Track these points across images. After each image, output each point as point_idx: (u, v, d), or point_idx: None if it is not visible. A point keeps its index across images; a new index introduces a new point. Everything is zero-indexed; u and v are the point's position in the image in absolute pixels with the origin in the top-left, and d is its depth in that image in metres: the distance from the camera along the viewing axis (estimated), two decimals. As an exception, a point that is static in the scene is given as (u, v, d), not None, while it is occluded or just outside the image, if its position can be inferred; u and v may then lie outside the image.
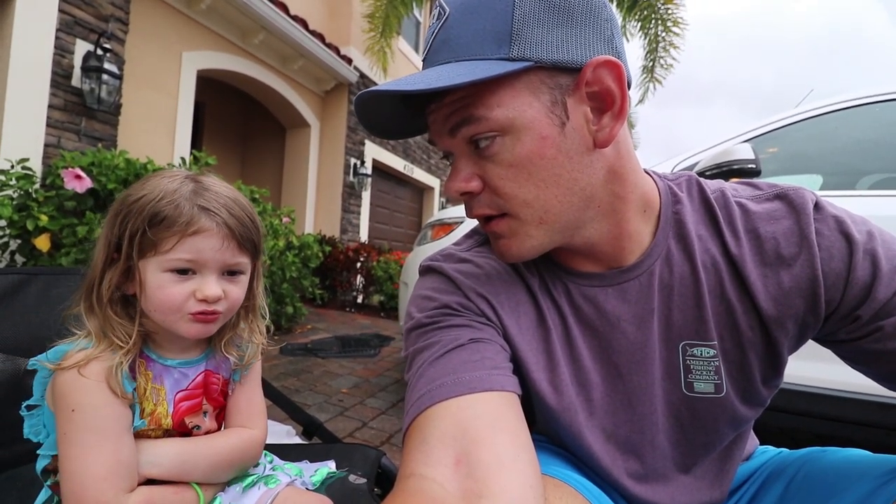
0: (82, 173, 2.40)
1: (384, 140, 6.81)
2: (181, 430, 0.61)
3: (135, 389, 0.57)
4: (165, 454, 0.57)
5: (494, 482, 0.36)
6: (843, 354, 0.51)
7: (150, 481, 0.56)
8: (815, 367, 1.36)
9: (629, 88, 0.48)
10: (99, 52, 3.05)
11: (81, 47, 3.03)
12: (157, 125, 3.85)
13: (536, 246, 0.49)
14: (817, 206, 0.48)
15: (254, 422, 0.68)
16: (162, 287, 0.56)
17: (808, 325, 0.48)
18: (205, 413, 0.64)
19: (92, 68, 2.98)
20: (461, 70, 0.41)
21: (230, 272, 0.61)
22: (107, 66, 3.00)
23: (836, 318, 0.47)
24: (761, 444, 0.68)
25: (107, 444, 0.52)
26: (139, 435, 0.57)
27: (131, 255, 0.55)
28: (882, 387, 0.50)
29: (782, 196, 0.50)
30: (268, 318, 0.74)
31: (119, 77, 3.11)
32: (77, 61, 3.00)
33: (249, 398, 0.69)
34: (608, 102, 0.44)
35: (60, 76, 2.93)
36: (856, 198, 1.58)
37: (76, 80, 3.00)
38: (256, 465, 0.70)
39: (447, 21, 0.45)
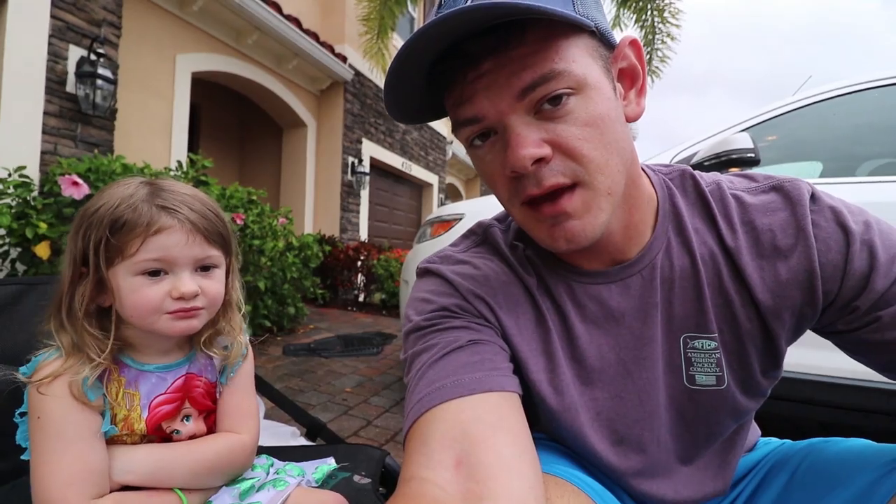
0: (79, 180, 2.40)
1: (381, 138, 6.74)
2: (159, 435, 0.61)
3: (105, 395, 0.57)
4: (139, 460, 0.57)
5: (495, 484, 0.35)
6: (841, 345, 0.51)
7: (132, 487, 0.56)
8: (818, 356, 1.35)
9: None
10: (92, 57, 3.03)
11: (75, 53, 3.01)
12: (153, 129, 3.84)
13: (602, 224, 0.45)
14: (814, 197, 0.48)
15: (242, 426, 0.67)
16: (136, 291, 0.56)
17: (806, 316, 0.48)
18: (186, 417, 0.63)
19: (86, 74, 2.97)
20: (541, 2, 0.37)
21: (203, 267, 0.61)
22: (101, 71, 2.99)
23: (833, 309, 0.47)
24: (764, 434, 0.68)
25: (72, 450, 0.52)
26: (113, 441, 0.57)
27: (99, 265, 0.55)
28: (882, 376, 0.50)
29: (778, 188, 0.50)
30: (243, 310, 0.72)
31: (113, 82, 3.10)
32: (71, 67, 2.99)
33: (238, 401, 0.68)
34: (633, 79, 0.47)
35: (55, 82, 2.92)
36: (856, 184, 1.57)
37: (70, 86, 2.99)
38: (253, 470, 0.69)
39: None
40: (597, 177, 0.43)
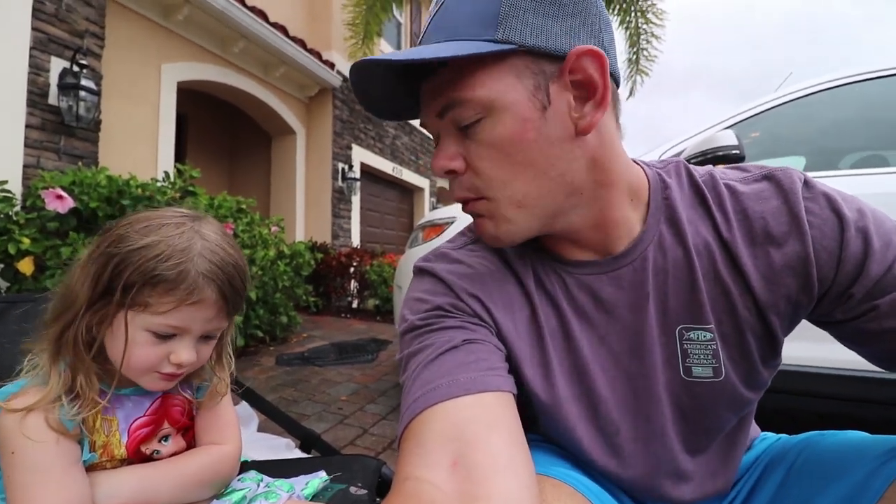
0: (63, 193, 2.36)
1: (370, 143, 6.75)
2: (139, 458, 0.60)
3: (83, 423, 0.54)
4: (123, 483, 0.56)
5: (491, 484, 0.35)
6: (840, 335, 0.51)
7: None
8: (813, 347, 1.37)
9: (617, 85, 0.49)
10: (75, 68, 3.00)
11: (57, 65, 2.98)
12: (139, 140, 3.81)
13: (515, 231, 0.49)
14: (807, 184, 0.48)
15: (224, 436, 0.66)
16: (139, 345, 0.54)
17: (801, 304, 0.48)
18: (164, 438, 0.62)
19: (69, 85, 2.94)
20: (446, 48, 0.43)
21: (206, 336, 0.60)
22: (84, 82, 2.96)
23: (829, 297, 0.47)
24: (762, 428, 0.68)
25: (51, 482, 0.50)
26: (94, 468, 0.56)
27: (122, 303, 0.52)
28: (880, 368, 0.50)
29: (769, 176, 0.50)
30: (232, 369, 0.71)
31: (97, 93, 3.07)
32: (53, 79, 2.95)
33: (216, 414, 0.67)
34: (591, 91, 0.45)
35: (36, 95, 2.88)
36: (839, 177, 1.59)
37: (53, 98, 2.95)
38: (242, 482, 0.69)
39: (443, 5, 0.47)
40: (498, 192, 0.48)
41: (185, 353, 0.56)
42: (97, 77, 3.15)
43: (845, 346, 0.51)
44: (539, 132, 0.45)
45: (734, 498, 0.59)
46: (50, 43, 2.96)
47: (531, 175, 0.46)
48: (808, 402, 1.49)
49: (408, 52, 0.43)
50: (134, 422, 0.59)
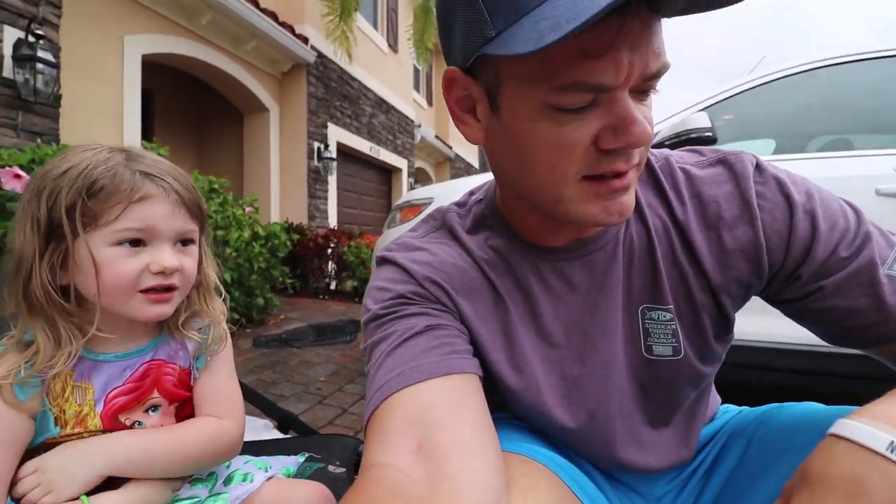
0: (22, 172, 2.25)
1: (347, 122, 6.58)
2: (118, 429, 0.56)
3: (48, 393, 0.52)
4: (121, 448, 0.54)
5: (455, 465, 0.36)
6: (790, 314, 0.53)
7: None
8: (772, 324, 1.43)
9: None
10: (31, 39, 2.82)
11: (11, 34, 2.80)
12: (102, 116, 3.63)
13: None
14: (759, 168, 0.50)
15: (224, 411, 0.62)
16: (113, 262, 0.51)
17: (752, 285, 0.50)
18: (153, 408, 0.59)
19: (24, 57, 2.77)
20: None
21: (182, 242, 0.58)
22: (41, 53, 2.80)
23: (779, 278, 0.49)
24: (725, 400, 0.71)
25: None
26: (67, 439, 0.54)
27: (69, 232, 0.50)
28: (829, 343, 0.52)
29: (723, 160, 0.51)
30: (224, 295, 0.69)
31: (55, 65, 2.90)
32: (7, 50, 2.78)
33: (216, 386, 0.64)
34: None
35: (-11, 67, 2.71)
36: (806, 160, 1.64)
37: (8, 71, 2.78)
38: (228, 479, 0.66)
39: None
40: (644, 158, 0.45)
41: (163, 256, 0.54)
42: (55, 48, 2.98)
43: (797, 323, 0.54)
44: None
45: (697, 467, 0.61)
46: (1, 10, 2.77)
47: None
48: (767, 375, 1.56)
49: None
50: (112, 390, 0.56)
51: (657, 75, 0.39)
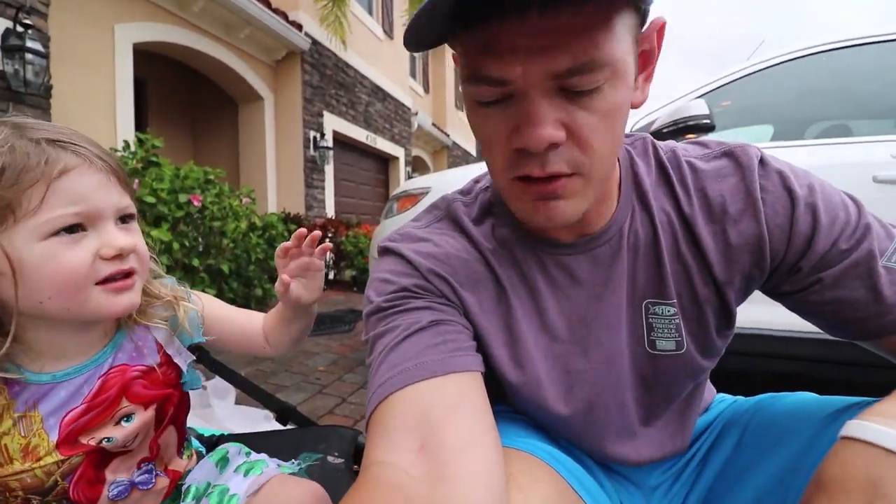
0: (15, 164, 2.23)
1: (343, 110, 6.50)
2: (83, 451, 0.48)
3: None
4: None
5: (457, 465, 0.36)
6: (789, 305, 0.53)
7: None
8: (768, 311, 1.44)
9: None
10: (19, 28, 2.77)
11: (-2, 24, 2.75)
12: (95, 107, 3.58)
13: (584, 209, 0.44)
14: (762, 162, 0.49)
15: (247, 315, 0.70)
16: (53, 258, 0.42)
17: (754, 278, 0.50)
18: (125, 418, 0.51)
19: (13, 47, 2.72)
20: None
21: (122, 219, 0.49)
22: (29, 43, 2.75)
23: (780, 271, 0.49)
24: (719, 389, 0.71)
25: None
26: (6, 481, 0.45)
27: None
28: (828, 334, 0.52)
29: (729, 153, 0.51)
30: (161, 274, 0.62)
31: (45, 55, 2.86)
32: (-6, 40, 2.73)
33: (222, 315, 0.68)
34: (647, 63, 0.44)
35: (-23, 57, 2.67)
36: (804, 147, 1.64)
37: (-4, 61, 2.74)
38: (225, 459, 0.65)
39: None
40: (597, 168, 0.42)
41: (113, 236, 0.46)
42: (44, 38, 2.93)
43: (797, 314, 0.54)
44: (629, 102, 0.42)
45: (692, 457, 0.62)
46: (-13, -1, 2.72)
47: (617, 150, 0.44)
48: (762, 362, 1.57)
49: None
50: (67, 414, 0.47)
51: (574, 73, 0.36)
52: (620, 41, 0.37)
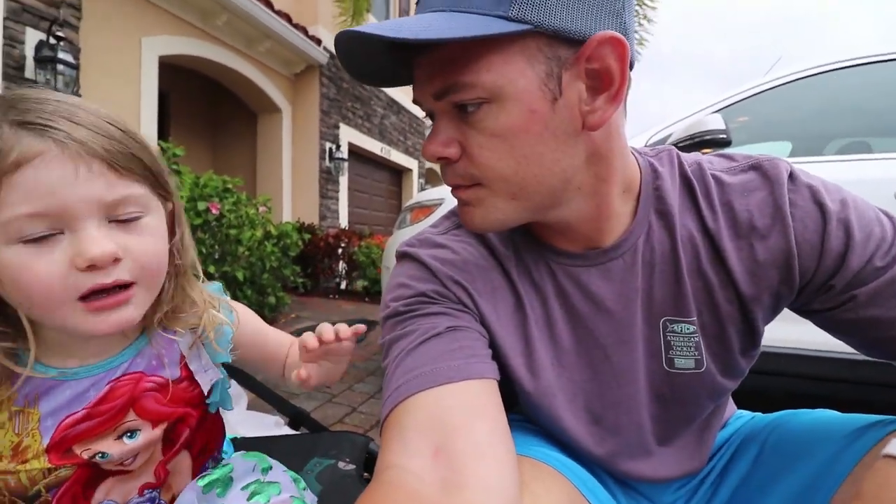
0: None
1: (358, 123, 6.60)
2: (72, 462, 0.42)
3: None
4: None
5: (472, 472, 0.36)
6: (820, 323, 0.51)
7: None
8: (790, 329, 1.41)
9: (631, 70, 0.45)
10: (52, 40, 2.89)
11: (32, 36, 2.87)
12: (120, 116, 3.68)
13: (502, 219, 0.47)
14: (791, 176, 0.48)
15: (278, 338, 0.65)
16: (25, 266, 0.36)
17: (783, 296, 0.49)
18: (130, 434, 0.45)
19: (46, 59, 2.84)
20: (452, 23, 0.38)
21: (120, 219, 0.40)
22: (61, 55, 2.86)
23: (810, 288, 0.48)
24: (737, 405, 0.70)
25: None
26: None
27: None
28: (861, 353, 0.51)
29: (757, 167, 0.50)
30: (202, 277, 0.55)
31: (75, 67, 2.96)
32: (29, 52, 2.84)
33: (254, 336, 0.62)
34: (606, 83, 0.41)
35: (12, 68, 2.78)
36: (824, 163, 1.62)
37: (30, 72, 2.85)
38: (227, 480, 0.53)
39: None
40: (495, 183, 0.45)
41: (87, 242, 0.37)
42: (75, 50, 3.04)
43: (828, 333, 0.52)
44: (546, 125, 0.42)
45: (708, 474, 0.61)
46: (24, 13, 2.84)
47: (531, 168, 0.43)
48: (781, 381, 1.54)
49: (403, 25, 0.39)
50: (66, 417, 0.42)
51: (444, 94, 0.43)
52: (495, 69, 0.40)
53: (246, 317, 0.61)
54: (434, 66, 0.42)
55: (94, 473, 0.44)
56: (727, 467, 0.60)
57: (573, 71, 0.41)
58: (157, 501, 0.49)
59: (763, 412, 0.66)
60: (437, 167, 0.52)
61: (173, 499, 0.50)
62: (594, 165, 0.46)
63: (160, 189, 0.45)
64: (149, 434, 0.46)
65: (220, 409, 0.58)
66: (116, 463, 0.45)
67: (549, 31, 0.39)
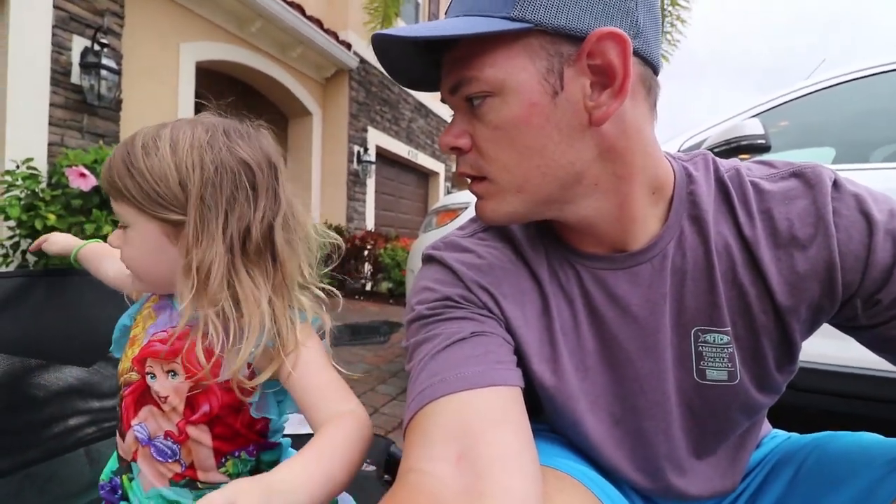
0: (86, 171, 2.41)
1: (386, 126, 6.68)
2: (139, 371, 0.55)
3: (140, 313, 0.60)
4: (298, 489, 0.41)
5: (496, 480, 0.35)
6: (864, 341, 0.49)
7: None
8: (827, 344, 1.34)
9: (657, 73, 0.46)
10: (96, 47, 3.03)
11: (78, 43, 3.01)
12: (159, 119, 3.68)
13: (512, 213, 0.48)
14: (836, 184, 0.45)
15: (339, 400, 0.53)
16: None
17: (824, 309, 0.46)
18: (171, 373, 0.53)
19: (90, 64, 2.98)
20: (462, 24, 0.42)
21: (120, 226, 0.56)
22: (105, 61, 2.99)
23: (854, 302, 0.45)
24: (772, 423, 0.67)
25: None
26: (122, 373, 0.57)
27: None
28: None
29: (798, 174, 0.47)
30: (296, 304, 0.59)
31: (118, 72, 3.10)
32: (75, 58, 2.99)
33: (304, 386, 0.52)
34: (609, 78, 0.41)
35: (59, 74, 2.93)
36: (870, 171, 1.54)
37: (76, 77, 2.99)
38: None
39: None
40: (500, 175, 0.47)
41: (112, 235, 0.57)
42: (118, 56, 3.18)
43: (871, 351, 0.49)
44: (547, 118, 0.43)
45: (740, 495, 0.58)
46: (71, 21, 2.99)
47: (534, 159, 0.44)
48: (820, 399, 1.47)
49: (421, 28, 0.43)
50: (157, 332, 0.56)
51: (457, 88, 0.46)
52: (499, 64, 0.42)
53: (306, 369, 0.54)
54: (450, 63, 0.46)
55: (145, 392, 0.55)
56: (760, 488, 0.57)
57: (576, 67, 0.42)
58: (177, 456, 0.54)
59: (799, 431, 0.63)
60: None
61: (192, 464, 0.55)
62: (610, 163, 0.45)
63: (146, 209, 0.52)
64: (180, 383, 0.53)
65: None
66: (157, 393, 0.54)
67: (549, 29, 0.41)
